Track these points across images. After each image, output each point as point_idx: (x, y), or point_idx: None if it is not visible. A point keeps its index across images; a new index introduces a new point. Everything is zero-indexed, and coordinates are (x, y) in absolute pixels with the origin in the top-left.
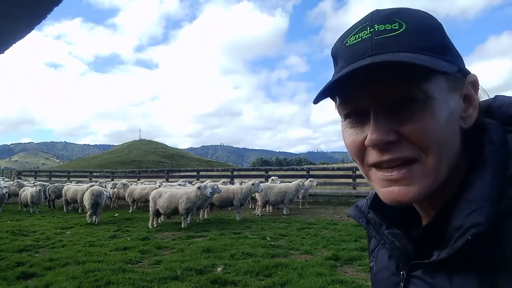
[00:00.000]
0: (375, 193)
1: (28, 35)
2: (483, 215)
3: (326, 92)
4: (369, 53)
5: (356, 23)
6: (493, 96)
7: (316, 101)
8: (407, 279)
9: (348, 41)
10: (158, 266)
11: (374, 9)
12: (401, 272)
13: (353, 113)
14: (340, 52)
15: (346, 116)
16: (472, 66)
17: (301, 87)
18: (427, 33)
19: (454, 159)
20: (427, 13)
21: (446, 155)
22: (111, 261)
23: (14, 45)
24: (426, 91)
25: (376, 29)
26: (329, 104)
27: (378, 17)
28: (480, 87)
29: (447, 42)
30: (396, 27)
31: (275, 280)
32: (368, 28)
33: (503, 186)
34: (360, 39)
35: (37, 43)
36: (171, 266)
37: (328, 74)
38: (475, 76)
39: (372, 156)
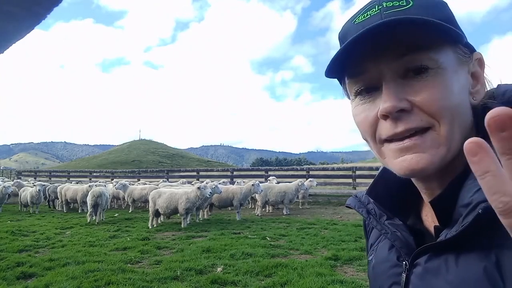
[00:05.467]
0: (374, 180)
1: (34, 34)
2: None
3: (336, 66)
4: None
5: (363, 6)
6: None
7: (327, 74)
8: (410, 268)
9: (357, 20)
10: (158, 266)
11: None
12: (404, 262)
13: (364, 89)
14: (349, 30)
15: (356, 93)
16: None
17: (305, 88)
18: (434, 8)
19: (465, 132)
20: None
21: (458, 125)
22: (111, 261)
23: (14, 44)
24: (437, 60)
25: (385, 6)
26: (329, 104)
27: None
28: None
29: (453, 18)
30: (404, 3)
31: (275, 280)
32: (377, 6)
33: None
34: (369, 16)
35: (44, 42)
36: (171, 266)
37: None
38: (481, 54)
39: (385, 129)
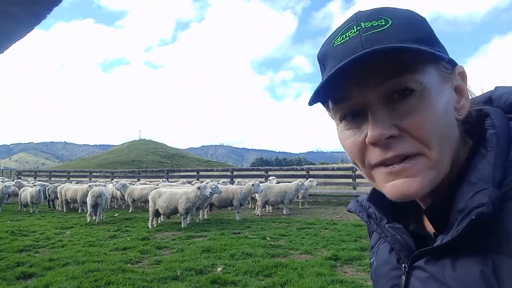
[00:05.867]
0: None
1: (35, 34)
2: (486, 196)
3: (319, 94)
4: (360, 48)
5: (341, 25)
6: (493, 88)
7: (312, 102)
8: (409, 271)
9: (335, 42)
10: (158, 266)
11: (357, 11)
12: (403, 265)
13: (349, 114)
14: (329, 53)
15: (341, 118)
16: (477, 65)
17: (305, 87)
18: (413, 27)
19: (455, 148)
20: (410, 10)
21: (447, 146)
22: (111, 261)
23: (14, 44)
24: (421, 82)
25: (363, 27)
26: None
27: (362, 16)
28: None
29: (433, 34)
30: (383, 23)
31: (275, 280)
32: (355, 26)
33: (506, 169)
34: (348, 38)
35: (44, 42)
36: (171, 266)
37: None
38: (463, 67)
39: (375, 155)
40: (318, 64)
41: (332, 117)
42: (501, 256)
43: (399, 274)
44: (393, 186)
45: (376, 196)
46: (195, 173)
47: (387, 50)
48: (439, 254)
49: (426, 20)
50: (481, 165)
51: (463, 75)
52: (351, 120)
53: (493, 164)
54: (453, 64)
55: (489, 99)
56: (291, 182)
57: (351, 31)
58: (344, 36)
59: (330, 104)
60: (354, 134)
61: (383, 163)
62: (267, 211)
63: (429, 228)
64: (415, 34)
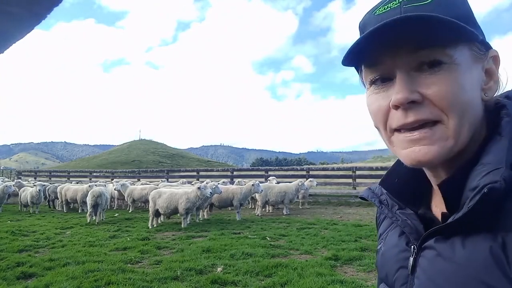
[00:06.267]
0: (387, 172)
1: (35, 34)
2: (499, 174)
3: (354, 56)
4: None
5: None
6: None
7: (344, 62)
8: (417, 252)
9: (377, 11)
10: (158, 266)
11: None
12: (412, 247)
13: (379, 78)
14: (369, 21)
15: (371, 82)
16: None
17: (306, 88)
18: (453, 5)
19: (475, 126)
20: None
21: (467, 120)
22: (111, 261)
23: (14, 44)
24: (451, 56)
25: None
26: (329, 104)
27: None
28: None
29: (472, 15)
30: None
31: (275, 280)
32: None
33: None
34: (389, 8)
35: (45, 42)
36: (171, 266)
37: (335, 73)
38: (497, 51)
39: (396, 119)
40: (358, 33)
41: (363, 82)
42: (510, 233)
43: (407, 256)
44: (410, 152)
45: (389, 182)
46: (195, 173)
47: (423, 17)
48: (449, 233)
49: (467, 1)
50: (495, 149)
51: (495, 59)
52: (379, 85)
53: (506, 149)
54: (487, 46)
55: (507, 96)
56: (291, 182)
57: (393, 3)
58: (386, 7)
59: (362, 68)
60: (381, 98)
61: (402, 128)
62: (267, 211)
63: (437, 214)
64: (454, 12)
